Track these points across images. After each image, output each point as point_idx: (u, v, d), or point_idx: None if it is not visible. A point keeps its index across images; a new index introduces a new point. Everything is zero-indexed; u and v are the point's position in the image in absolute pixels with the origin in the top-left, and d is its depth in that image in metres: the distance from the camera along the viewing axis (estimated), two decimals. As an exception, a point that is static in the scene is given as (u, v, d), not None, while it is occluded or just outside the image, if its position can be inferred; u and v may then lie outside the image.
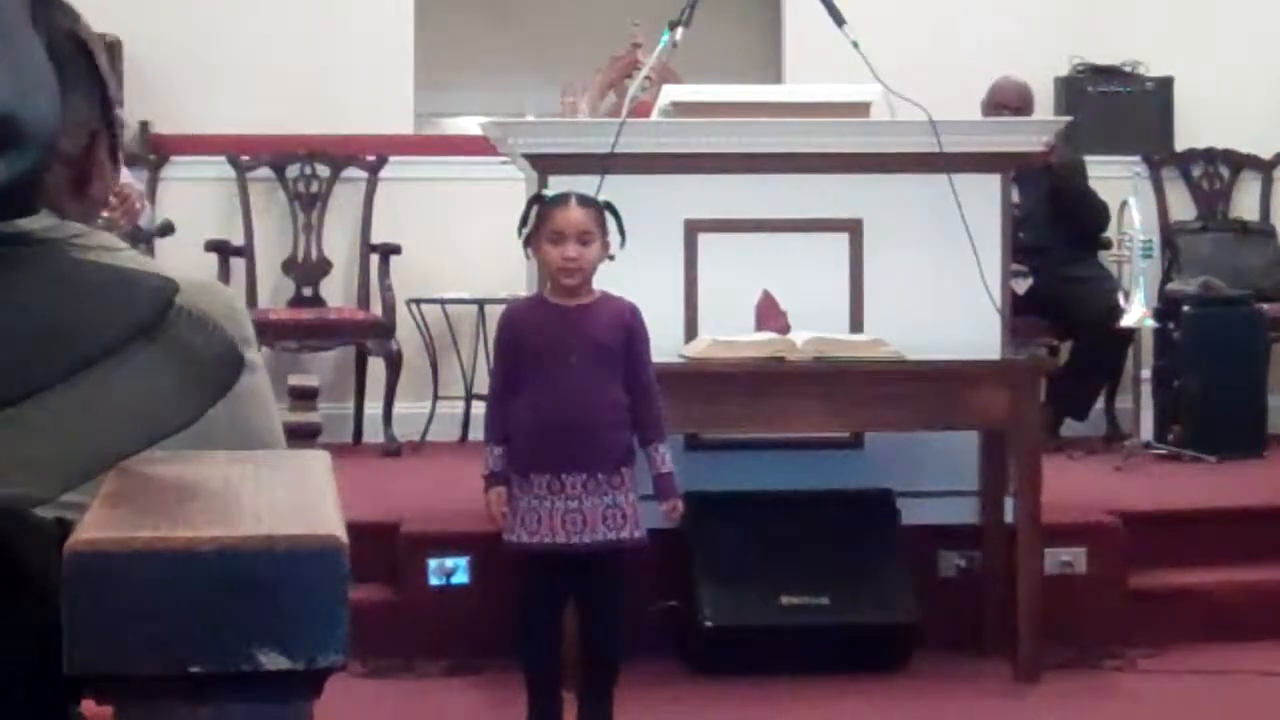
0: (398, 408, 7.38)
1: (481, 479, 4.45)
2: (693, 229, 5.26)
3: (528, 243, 4.53)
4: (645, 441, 4.40)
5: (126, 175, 6.01)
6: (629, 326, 4.42)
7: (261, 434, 1.86)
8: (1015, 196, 6.27)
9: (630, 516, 4.36)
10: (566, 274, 4.40)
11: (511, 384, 4.43)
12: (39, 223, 1.58)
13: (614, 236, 4.46)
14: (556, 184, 4.64)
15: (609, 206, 4.47)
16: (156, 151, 7.56)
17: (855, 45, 5.37)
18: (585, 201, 4.48)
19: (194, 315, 1.58)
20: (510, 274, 6.43)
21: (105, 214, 5.57)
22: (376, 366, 7.43)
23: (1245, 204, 8.09)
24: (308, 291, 7.62)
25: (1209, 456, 6.83)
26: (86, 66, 1.74)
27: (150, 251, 5.86)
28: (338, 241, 7.68)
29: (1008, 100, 7.40)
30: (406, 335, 7.44)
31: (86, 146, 1.80)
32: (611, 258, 4.46)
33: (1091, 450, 7.08)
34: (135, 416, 1.52)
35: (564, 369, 4.36)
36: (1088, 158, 7.61)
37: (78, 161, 1.80)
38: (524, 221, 4.51)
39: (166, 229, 6.07)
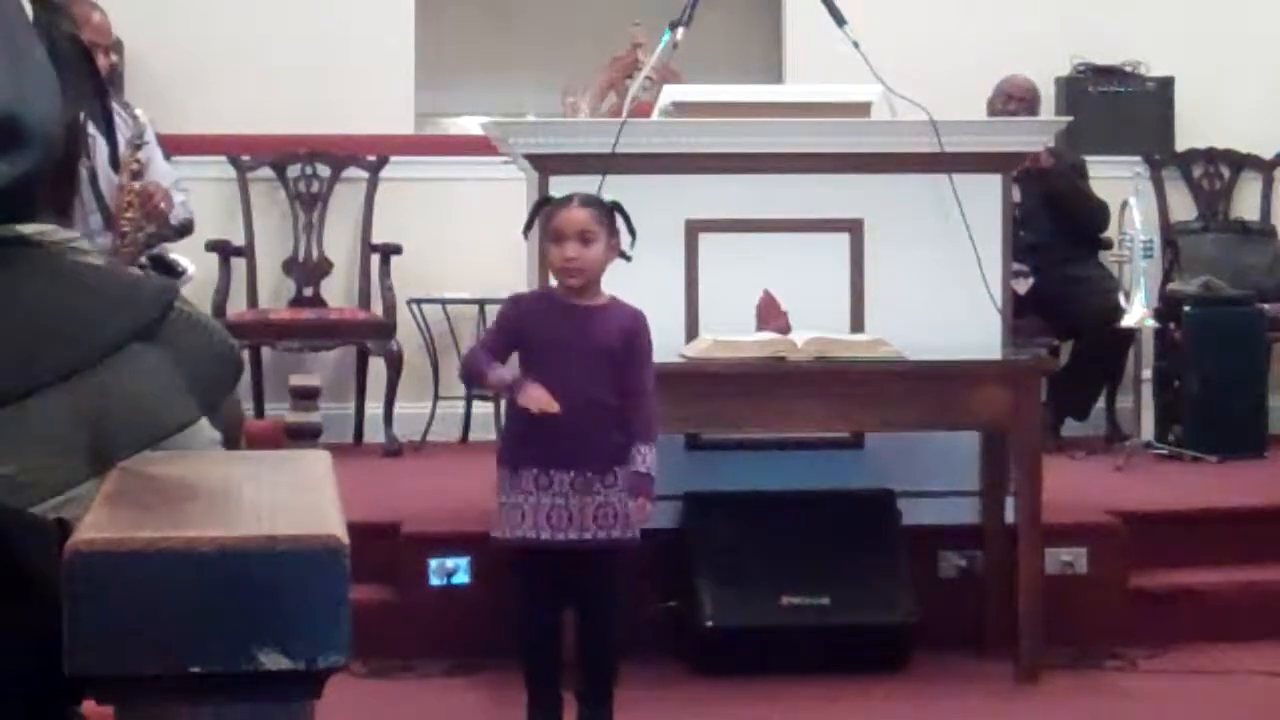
0: (398, 408, 7.37)
1: (508, 390, 4.35)
2: (693, 229, 5.25)
3: (526, 234, 4.53)
4: (629, 441, 4.33)
5: (165, 170, 5.98)
6: (631, 331, 4.37)
7: None
8: (1016, 196, 6.27)
9: (622, 515, 4.33)
10: (567, 274, 4.37)
11: (497, 353, 4.40)
12: (39, 226, 1.58)
13: (625, 237, 4.43)
14: (557, 184, 4.63)
15: (616, 205, 4.45)
16: (157, 151, 7.56)
17: (856, 45, 5.37)
18: (589, 201, 4.45)
19: (193, 318, 1.58)
20: (510, 274, 6.42)
21: (128, 215, 5.55)
22: (377, 366, 7.43)
23: (1246, 204, 8.09)
24: (308, 291, 7.62)
25: (1210, 456, 6.83)
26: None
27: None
28: (338, 241, 7.68)
29: (1016, 91, 7.43)
30: (407, 335, 7.44)
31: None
32: (627, 257, 4.40)
33: (1092, 450, 7.07)
34: (135, 416, 1.52)
35: (562, 366, 4.33)
36: (1088, 158, 7.61)
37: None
38: (529, 223, 4.50)
39: (185, 229, 6.02)
